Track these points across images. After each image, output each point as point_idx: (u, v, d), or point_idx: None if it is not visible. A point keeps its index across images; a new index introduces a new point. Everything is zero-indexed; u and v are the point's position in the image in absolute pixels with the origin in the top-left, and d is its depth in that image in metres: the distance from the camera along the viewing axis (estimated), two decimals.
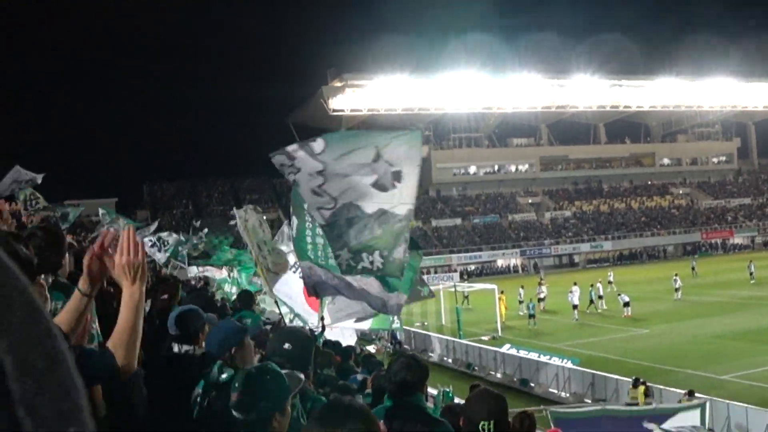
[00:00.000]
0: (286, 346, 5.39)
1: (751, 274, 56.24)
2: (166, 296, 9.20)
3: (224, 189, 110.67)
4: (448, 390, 9.55)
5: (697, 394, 23.23)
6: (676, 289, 52.06)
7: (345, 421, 2.80)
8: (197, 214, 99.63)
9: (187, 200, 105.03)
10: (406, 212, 7.16)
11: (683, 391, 23.58)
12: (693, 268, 68.37)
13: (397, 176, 7.06)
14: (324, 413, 2.99)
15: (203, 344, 5.74)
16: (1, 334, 0.54)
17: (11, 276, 0.58)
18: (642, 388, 23.91)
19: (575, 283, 49.32)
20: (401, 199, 7.12)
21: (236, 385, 3.85)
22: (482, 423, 4.57)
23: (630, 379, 25.13)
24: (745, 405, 22.02)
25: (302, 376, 4.29)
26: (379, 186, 7.14)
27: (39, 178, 20.27)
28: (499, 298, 46.87)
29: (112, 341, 3.42)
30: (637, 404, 23.78)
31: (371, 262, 7.26)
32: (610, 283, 60.01)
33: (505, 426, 4.77)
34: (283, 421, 3.84)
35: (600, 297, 50.20)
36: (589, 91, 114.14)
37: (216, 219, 69.71)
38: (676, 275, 53.73)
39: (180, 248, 29.96)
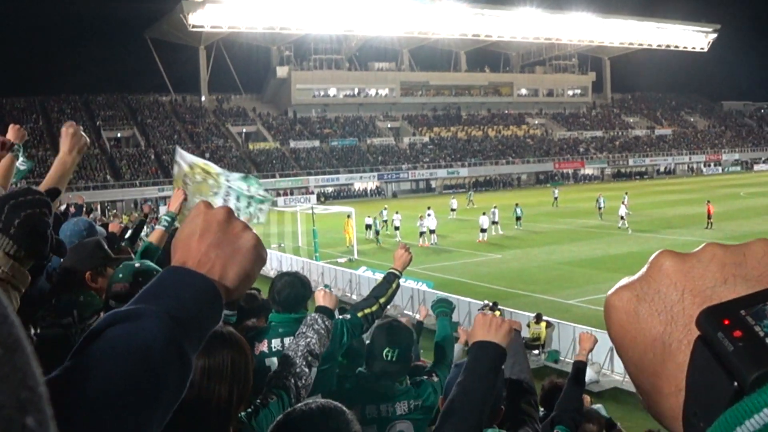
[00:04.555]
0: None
1: (599, 208, 56.22)
2: None
3: (77, 105, 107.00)
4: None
5: (545, 318, 23.95)
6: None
7: (222, 348, 2.77)
8: (48, 130, 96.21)
9: (38, 116, 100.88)
10: None
11: (532, 314, 24.26)
12: (555, 198, 68.99)
13: None
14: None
15: None
16: None
17: None
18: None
19: (429, 208, 50.01)
20: None
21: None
22: (386, 350, 4.66)
23: (481, 302, 25.62)
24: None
25: None
26: None
27: None
28: (346, 222, 46.74)
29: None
30: (538, 339, 24.14)
31: None
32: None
33: (408, 356, 4.84)
34: None
35: (494, 222, 50.20)
36: (451, 17, 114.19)
37: None
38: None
39: None
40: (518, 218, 52.55)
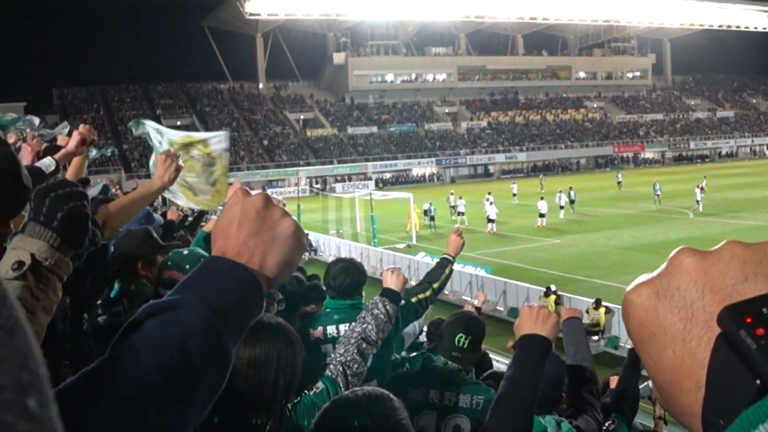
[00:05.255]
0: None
1: (657, 194, 54.79)
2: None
3: (137, 94, 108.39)
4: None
5: (604, 303, 23.78)
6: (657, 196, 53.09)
7: (268, 339, 2.81)
8: (109, 119, 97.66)
9: (99, 105, 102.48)
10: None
11: (591, 300, 24.11)
12: (619, 183, 68.26)
13: None
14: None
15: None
16: None
17: None
18: (553, 297, 24.34)
19: (489, 193, 49.89)
20: None
21: None
22: (459, 336, 4.67)
23: (541, 288, 25.55)
24: None
25: None
26: None
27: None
28: (413, 208, 46.92)
29: (115, 205, 3.83)
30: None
31: None
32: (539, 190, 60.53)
33: (478, 347, 4.88)
34: None
35: (561, 207, 50.44)
36: (508, 0, 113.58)
37: None
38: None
39: None
40: (572, 201, 52.44)
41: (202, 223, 10.17)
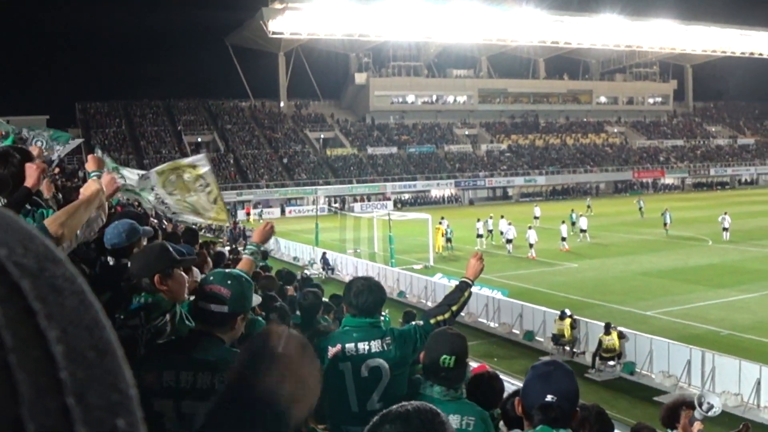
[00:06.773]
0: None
1: (665, 224, 52.87)
2: None
3: (158, 110, 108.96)
4: (385, 314, 9.55)
5: (620, 328, 23.64)
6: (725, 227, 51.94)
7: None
8: (130, 134, 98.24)
9: (121, 120, 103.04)
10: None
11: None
12: (640, 209, 65.84)
13: None
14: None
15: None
16: (54, 325, 0.56)
17: (62, 266, 0.59)
18: (568, 320, 24.30)
19: (502, 216, 50.11)
20: None
21: None
22: (443, 357, 4.67)
23: (557, 312, 25.48)
24: (667, 340, 22.52)
25: None
26: None
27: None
28: (436, 228, 47.06)
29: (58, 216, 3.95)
30: (563, 336, 24.38)
31: None
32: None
33: (464, 363, 4.90)
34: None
35: (582, 231, 51.04)
36: (530, 24, 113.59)
37: None
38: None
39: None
40: (573, 224, 52.96)
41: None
